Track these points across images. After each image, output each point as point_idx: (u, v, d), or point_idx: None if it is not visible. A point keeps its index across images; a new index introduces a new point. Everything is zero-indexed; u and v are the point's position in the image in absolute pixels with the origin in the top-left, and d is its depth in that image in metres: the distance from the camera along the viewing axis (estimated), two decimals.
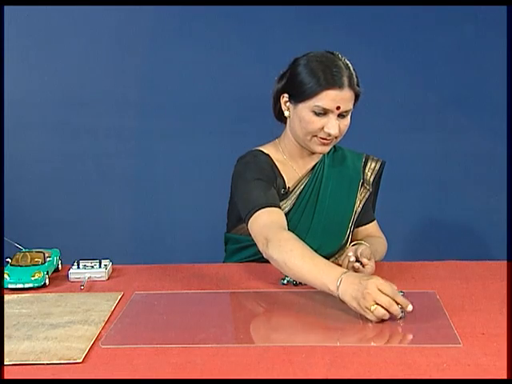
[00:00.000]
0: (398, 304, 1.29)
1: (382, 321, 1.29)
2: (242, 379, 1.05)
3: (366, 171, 1.86)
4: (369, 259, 1.60)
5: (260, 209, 1.59)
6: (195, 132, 2.95)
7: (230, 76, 2.89)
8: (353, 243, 1.77)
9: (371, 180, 1.86)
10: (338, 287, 1.34)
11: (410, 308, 1.29)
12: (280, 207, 1.65)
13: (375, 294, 1.28)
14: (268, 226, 1.55)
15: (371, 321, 1.29)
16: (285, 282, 1.56)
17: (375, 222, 1.95)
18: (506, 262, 1.72)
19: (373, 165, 1.87)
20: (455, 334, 1.23)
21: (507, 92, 2.89)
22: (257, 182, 1.67)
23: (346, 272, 1.36)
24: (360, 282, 1.31)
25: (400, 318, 1.30)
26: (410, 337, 1.23)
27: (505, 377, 1.05)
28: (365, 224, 1.92)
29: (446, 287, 1.52)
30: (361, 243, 1.72)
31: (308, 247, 1.47)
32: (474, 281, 1.58)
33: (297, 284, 1.55)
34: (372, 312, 1.28)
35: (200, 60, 2.91)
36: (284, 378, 1.06)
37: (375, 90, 2.87)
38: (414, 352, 1.15)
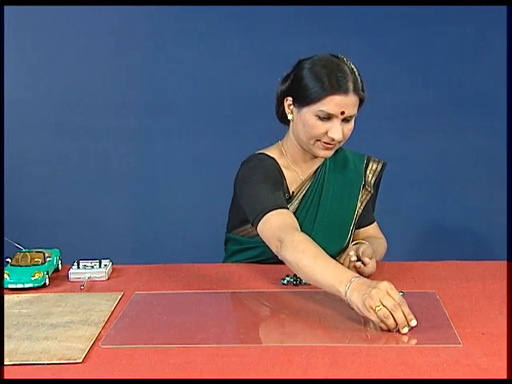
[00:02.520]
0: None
1: (382, 330, 1.26)
2: (242, 379, 1.05)
3: (368, 173, 1.85)
4: (370, 258, 1.60)
5: (269, 211, 1.57)
6: (195, 132, 2.95)
7: (230, 76, 2.89)
8: (353, 242, 1.77)
9: (372, 182, 1.86)
10: (346, 289, 1.31)
11: (413, 323, 1.25)
12: (288, 209, 1.63)
13: (383, 294, 1.26)
14: (280, 227, 1.53)
15: (373, 322, 1.28)
16: (285, 281, 1.56)
17: (375, 223, 1.95)
18: (506, 262, 1.72)
19: (374, 166, 1.86)
20: (455, 334, 1.23)
21: (507, 92, 2.89)
22: (264, 184, 1.65)
23: (357, 276, 1.34)
24: (370, 285, 1.29)
25: (402, 329, 1.25)
26: (410, 337, 1.23)
27: (505, 377, 1.05)
28: (365, 225, 1.92)
29: (446, 287, 1.52)
30: (362, 242, 1.72)
31: (321, 249, 1.44)
32: (473, 281, 1.58)
33: (297, 284, 1.55)
34: (376, 312, 1.25)
35: (200, 60, 2.91)
36: (284, 378, 1.06)
37: (375, 90, 2.87)
38: (414, 352, 1.15)
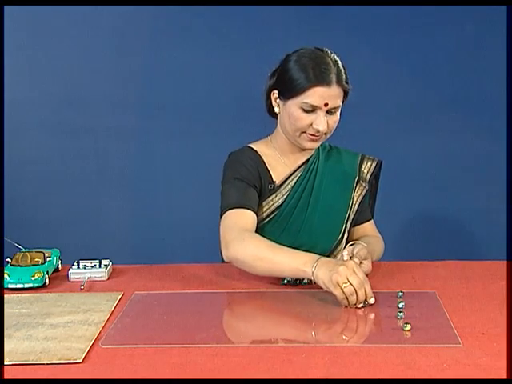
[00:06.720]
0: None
1: (345, 307, 1.36)
2: (242, 379, 1.05)
3: (363, 169, 1.86)
4: (364, 259, 1.59)
5: (230, 209, 1.65)
6: (195, 132, 2.95)
7: (230, 76, 2.89)
8: (350, 243, 1.76)
9: (367, 178, 1.86)
10: (313, 268, 1.41)
11: (372, 301, 1.37)
12: (253, 208, 1.67)
13: (350, 272, 1.36)
14: (230, 227, 1.61)
15: (343, 305, 1.37)
16: (285, 282, 1.56)
17: (372, 221, 1.94)
18: (506, 262, 1.72)
19: (369, 163, 1.87)
20: (455, 334, 1.23)
21: (507, 92, 2.89)
22: (235, 181, 1.70)
23: (321, 257, 1.44)
24: (337, 262, 1.41)
25: (362, 306, 1.36)
26: (410, 337, 1.23)
27: (505, 377, 1.05)
28: (361, 223, 1.91)
29: (446, 287, 1.52)
30: (357, 243, 1.71)
31: (272, 242, 1.54)
32: (473, 281, 1.58)
33: (297, 284, 1.55)
34: (342, 288, 1.34)
35: (200, 60, 2.91)
36: (284, 378, 1.06)
37: (375, 90, 2.89)
38: (414, 352, 1.15)
